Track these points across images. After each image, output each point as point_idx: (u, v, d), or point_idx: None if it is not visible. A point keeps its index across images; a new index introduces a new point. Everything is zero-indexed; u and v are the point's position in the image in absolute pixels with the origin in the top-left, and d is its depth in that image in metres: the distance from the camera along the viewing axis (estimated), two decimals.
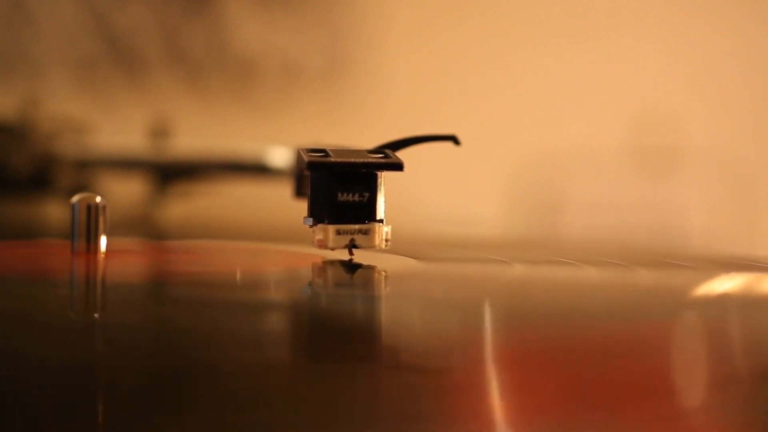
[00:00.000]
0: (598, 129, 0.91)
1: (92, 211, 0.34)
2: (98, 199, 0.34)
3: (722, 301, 0.32)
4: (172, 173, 0.64)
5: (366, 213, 0.33)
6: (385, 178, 0.34)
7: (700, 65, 0.91)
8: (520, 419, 0.19)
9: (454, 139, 0.35)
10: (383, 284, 0.34)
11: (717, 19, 0.91)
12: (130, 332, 0.25)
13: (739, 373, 0.23)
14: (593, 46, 0.92)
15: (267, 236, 0.50)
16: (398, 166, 0.33)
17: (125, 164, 0.65)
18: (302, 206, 0.34)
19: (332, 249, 0.33)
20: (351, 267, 0.34)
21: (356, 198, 0.33)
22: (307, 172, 0.33)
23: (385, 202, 0.34)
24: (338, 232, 0.33)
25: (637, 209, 0.89)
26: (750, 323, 0.28)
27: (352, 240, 0.33)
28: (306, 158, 0.33)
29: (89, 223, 0.34)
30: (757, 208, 0.89)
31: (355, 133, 0.53)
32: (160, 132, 0.64)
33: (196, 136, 0.65)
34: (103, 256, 0.34)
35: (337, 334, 0.25)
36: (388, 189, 0.34)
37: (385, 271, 0.35)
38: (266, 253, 0.42)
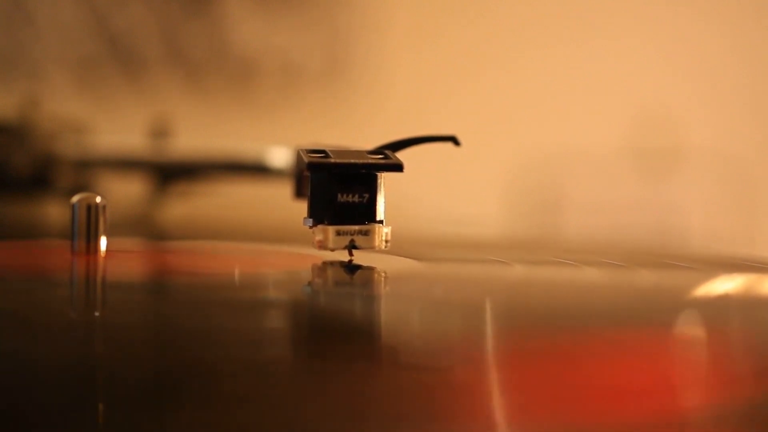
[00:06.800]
0: (598, 129, 0.91)
1: (92, 211, 0.34)
2: (98, 199, 0.34)
3: (722, 301, 0.32)
4: (172, 173, 0.64)
5: (366, 214, 0.33)
6: (385, 178, 0.34)
7: (700, 65, 0.91)
8: (519, 419, 0.19)
9: (454, 140, 0.35)
10: (383, 285, 0.34)
11: (717, 19, 0.91)
12: (130, 332, 0.25)
13: (739, 373, 0.23)
14: (593, 46, 0.92)
15: (267, 237, 0.50)
16: (398, 167, 0.33)
17: (125, 164, 0.65)
18: (302, 207, 0.34)
19: (332, 250, 0.33)
20: (351, 268, 0.34)
21: (356, 199, 0.33)
22: (307, 173, 0.33)
23: (385, 202, 0.34)
24: (338, 233, 0.33)
25: (637, 209, 0.89)
26: (750, 323, 0.28)
27: (352, 241, 0.33)
28: (306, 159, 0.33)
29: (89, 223, 0.34)
30: (757, 208, 0.89)
31: (354, 134, 0.53)
32: (160, 132, 0.64)
33: (196, 136, 0.65)
34: (103, 256, 0.34)
35: (337, 334, 0.25)
36: (388, 190, 0.34)
37: (385, 272, 0.35)
38: (266, 253, 0.42)
